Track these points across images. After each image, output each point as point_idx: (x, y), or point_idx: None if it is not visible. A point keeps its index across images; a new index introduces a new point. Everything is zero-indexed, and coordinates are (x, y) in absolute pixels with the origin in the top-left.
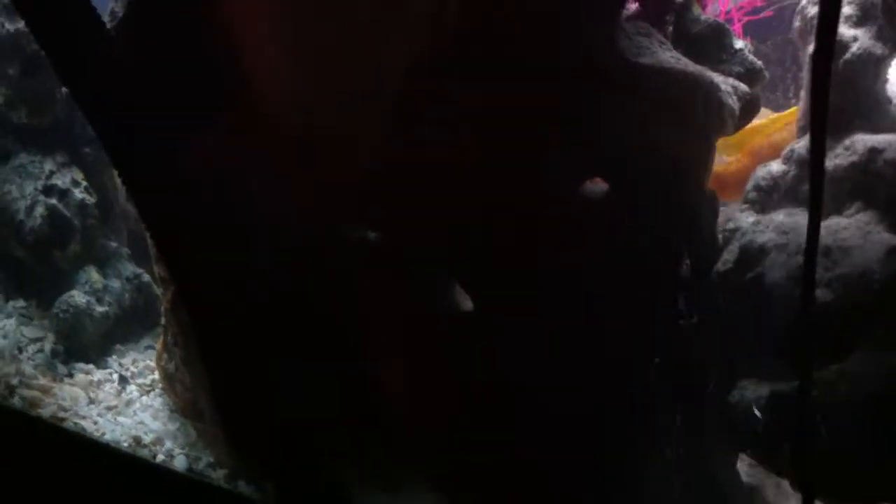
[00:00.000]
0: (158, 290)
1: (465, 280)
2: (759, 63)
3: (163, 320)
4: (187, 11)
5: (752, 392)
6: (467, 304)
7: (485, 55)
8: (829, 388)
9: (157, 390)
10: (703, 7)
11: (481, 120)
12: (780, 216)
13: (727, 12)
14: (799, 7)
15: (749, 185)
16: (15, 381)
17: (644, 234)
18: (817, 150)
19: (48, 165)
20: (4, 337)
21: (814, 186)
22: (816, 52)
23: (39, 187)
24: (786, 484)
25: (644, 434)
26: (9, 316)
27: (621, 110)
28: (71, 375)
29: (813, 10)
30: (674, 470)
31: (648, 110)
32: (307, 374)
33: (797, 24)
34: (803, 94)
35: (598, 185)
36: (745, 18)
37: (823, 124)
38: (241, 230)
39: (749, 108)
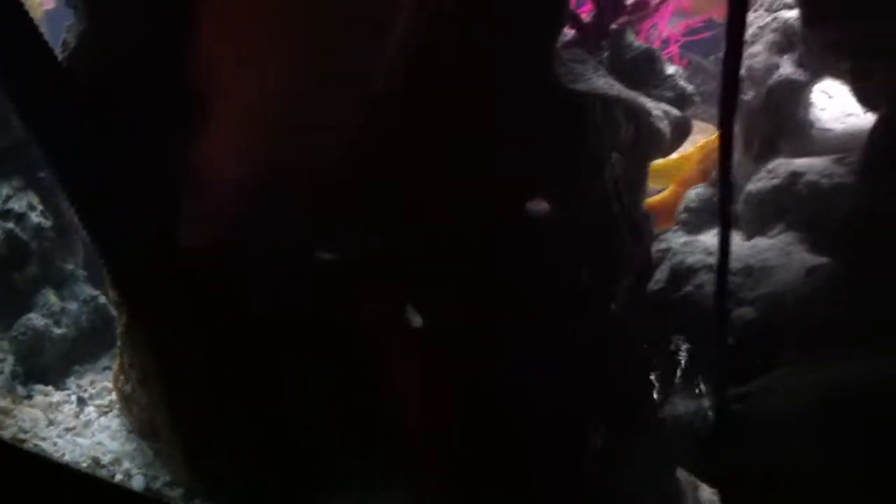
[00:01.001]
0: (115, 312)
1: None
2: (690, 88)
3: (119, 342)
4: (139, 38)
5: (683, 406)
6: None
7: (431, 83)
8: (755, 402)
9: (115, 411)
10: (639, 32)
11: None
12: (708, 237)
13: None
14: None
15: (681, 207)
16: None
17: (583, 250)
18: (725, 186)
19: (5, 190)
20: None
21: (723, 215)
22: (723, 86)
23: None
24: None
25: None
26: None
27: (559, 134)
28: (30, 397)
29: None
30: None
31: (584, 134)
32: (265, 392)
33: None
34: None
35: (540, 205)
36: (685, 38)
37: (729, 154)
38: (196, 255)
39: (680, 131)
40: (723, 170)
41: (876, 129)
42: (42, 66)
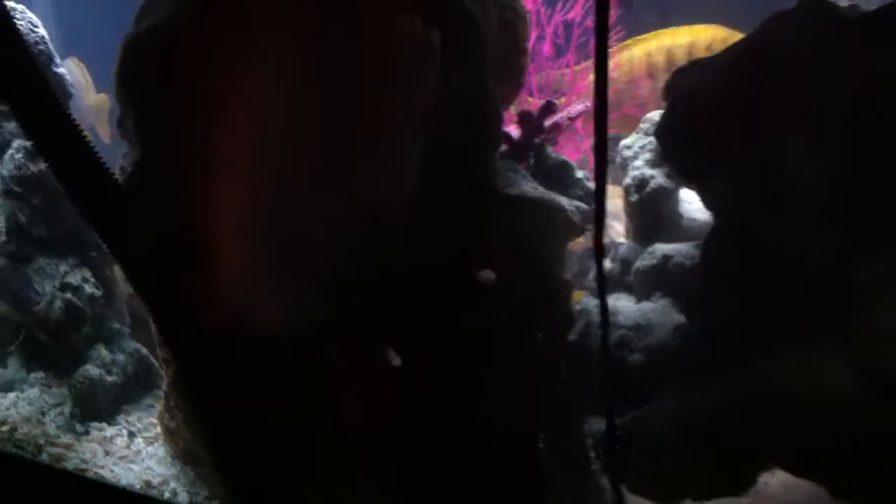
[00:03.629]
0: (154, 360)
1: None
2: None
3: (164, 388)
4: (182, 167)
5: (596, 426)
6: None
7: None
8: (643, 423)
9: (160, 441)
10: (555, 144)
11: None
12: (611, 300)
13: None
14: (618, 147)
15: (590, 277)
16: (42, 441)
17: (520, 310)
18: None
19: (63, 267)
20: (30, 404)
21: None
22: (596, 188)
23: (57, 285)
24: None
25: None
26: (32, 385)
27: (500, 227)
28: (88, 433)
29: (625, 152)
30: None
31: (518, 227)
32: (285, 430)
33: (617, 159)
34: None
35: (489, 273)
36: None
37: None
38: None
39: (588, 220)
40: (597, 255)
41: (711, 230)
42: (104, 188)
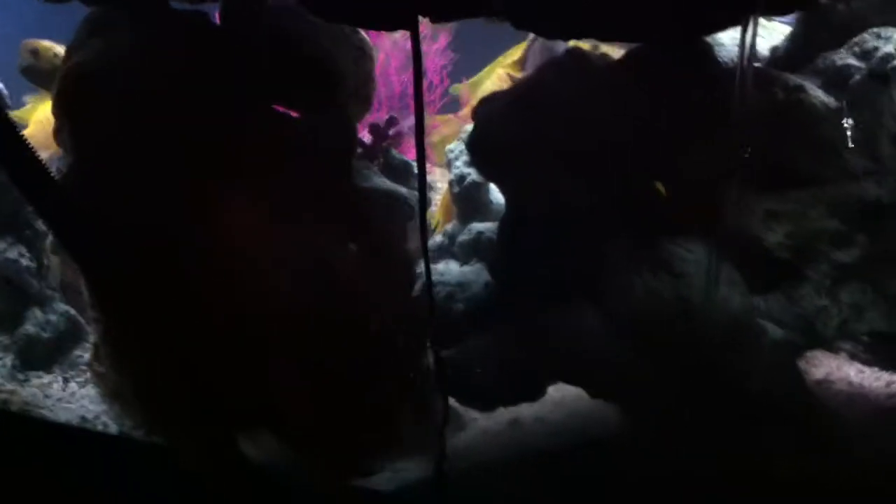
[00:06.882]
0: (80, 319)
1: None
2: (429, 181)
3: (92, 340)
4: (110, 168)
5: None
6: None
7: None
8: (464, 353)
9: (90, 385)
10: (399, 146)
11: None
12: (440, 265)
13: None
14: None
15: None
16: None
17: (385, 278)
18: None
19: (1, 245)
20: None
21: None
22: (418, 176)
23: None
24: None
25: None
26: None
27: (358, 212)
28: (28, 381)
29: (449, 155)
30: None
31: (371, 210)
32: (188, 372)
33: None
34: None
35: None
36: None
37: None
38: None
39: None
40: (422, 231)
41: (503, 216)
42: (45, 186)
